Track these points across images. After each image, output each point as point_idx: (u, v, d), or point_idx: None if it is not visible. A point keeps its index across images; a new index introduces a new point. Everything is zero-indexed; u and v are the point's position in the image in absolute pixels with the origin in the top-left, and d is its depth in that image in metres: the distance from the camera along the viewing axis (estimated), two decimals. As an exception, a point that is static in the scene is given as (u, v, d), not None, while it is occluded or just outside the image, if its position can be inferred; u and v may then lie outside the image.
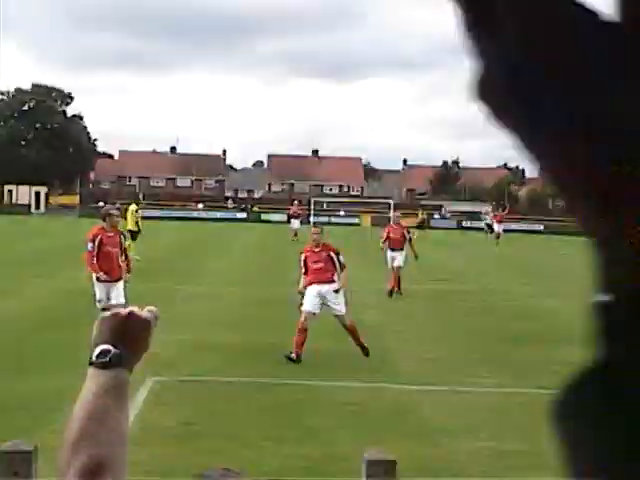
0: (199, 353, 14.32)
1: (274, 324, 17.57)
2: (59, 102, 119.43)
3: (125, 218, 36.61)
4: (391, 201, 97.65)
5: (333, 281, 14.48)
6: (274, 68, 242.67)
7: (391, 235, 24.26)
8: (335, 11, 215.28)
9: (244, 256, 39.45)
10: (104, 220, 14.47)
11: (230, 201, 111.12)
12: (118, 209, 15.11)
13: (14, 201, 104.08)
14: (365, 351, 14.37)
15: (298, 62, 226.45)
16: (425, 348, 15.67)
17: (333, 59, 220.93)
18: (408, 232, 24.47)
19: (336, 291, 14.37)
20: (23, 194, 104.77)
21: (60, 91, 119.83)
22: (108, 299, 14.09)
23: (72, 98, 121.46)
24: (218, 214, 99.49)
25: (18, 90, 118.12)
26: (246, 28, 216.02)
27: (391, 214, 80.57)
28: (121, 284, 14.48)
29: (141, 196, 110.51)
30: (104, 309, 11.61)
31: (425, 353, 15.14)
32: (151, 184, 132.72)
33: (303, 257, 14.96)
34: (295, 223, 51.65)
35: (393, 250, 23.97)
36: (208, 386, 11.86)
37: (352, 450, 8.86)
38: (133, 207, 36.63)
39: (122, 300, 13.81)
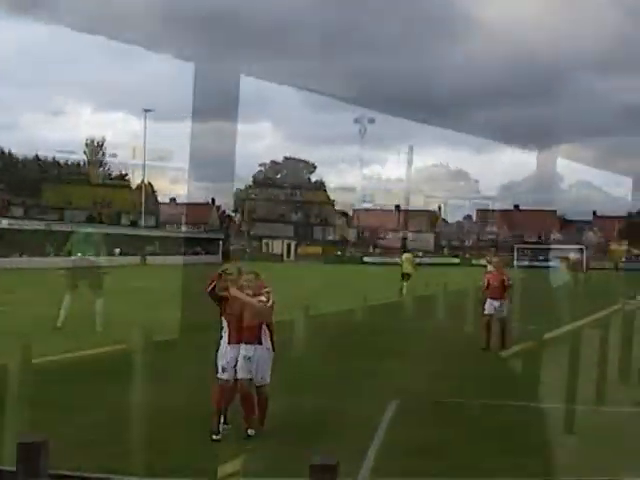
0: (435, 380, 13.72)
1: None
2: (305, 171, 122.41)
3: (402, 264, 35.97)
4: (583, 246, 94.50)
5: None
6: (483, 136, 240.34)
7: (491, 282, 18.67)
8: (535, 88, 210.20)
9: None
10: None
11: (446, 249, 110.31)
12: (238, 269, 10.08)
13: (270, 251, 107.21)
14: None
15: (502, 131, 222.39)
16: None
17: (532, 128, 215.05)
18: (508, 279, 18.86)
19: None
20: (277, 246, 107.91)
21: (306, 162, 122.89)
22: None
23: (315, 167, 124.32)
24: (437, 260, 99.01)
25: (273, 162, 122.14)
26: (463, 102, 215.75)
27: (572, 256, 77.27)
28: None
29: (371, 247, 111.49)
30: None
31: None
32: (378, 237, 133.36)
33: None
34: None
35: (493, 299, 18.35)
36: (443, 407, 11.31)
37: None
38: (409, 255, 37.22)
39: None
